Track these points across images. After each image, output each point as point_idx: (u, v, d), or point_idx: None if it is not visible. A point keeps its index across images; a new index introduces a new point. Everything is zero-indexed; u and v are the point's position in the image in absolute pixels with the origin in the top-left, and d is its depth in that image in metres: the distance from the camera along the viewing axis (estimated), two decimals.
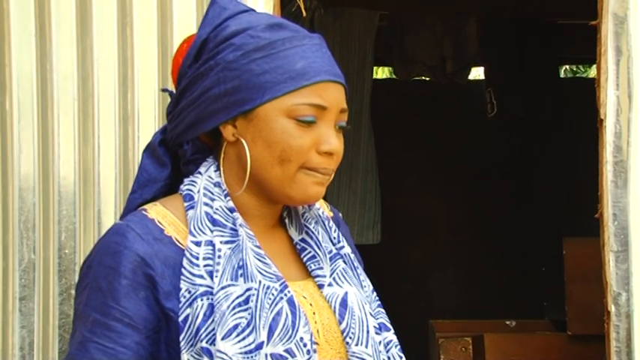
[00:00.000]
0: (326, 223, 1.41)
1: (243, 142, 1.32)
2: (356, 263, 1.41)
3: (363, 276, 1.40)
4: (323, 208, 1.46)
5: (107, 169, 2.19)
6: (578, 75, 8.25)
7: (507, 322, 3.98)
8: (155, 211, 1.33)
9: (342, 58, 4.24)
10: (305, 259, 1.38)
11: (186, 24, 2.19)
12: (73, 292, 2.16)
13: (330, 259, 1.37)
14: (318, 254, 1.37)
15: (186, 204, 1.33)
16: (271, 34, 1.32)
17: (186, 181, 1.36)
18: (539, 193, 5.16)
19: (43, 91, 2.16)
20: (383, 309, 1.40)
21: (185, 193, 1.34)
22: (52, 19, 2.15)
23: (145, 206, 1.35)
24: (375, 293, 1.40)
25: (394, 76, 5.28)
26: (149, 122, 2.20)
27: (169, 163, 1.40)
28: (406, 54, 4.90)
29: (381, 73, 7.44)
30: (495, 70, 5.17)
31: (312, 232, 1.39)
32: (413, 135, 5.42)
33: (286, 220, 1.40)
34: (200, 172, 1.35)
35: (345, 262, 1.38)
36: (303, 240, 1.39)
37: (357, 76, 4.45)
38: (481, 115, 4.97)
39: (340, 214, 1.52)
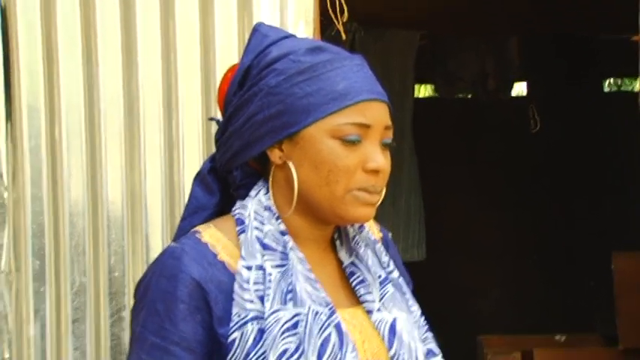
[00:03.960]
0: (376, 246, 1.41)
1: (290, 164, 1.33)
2: (405, 288, 1.41)
3: (412, 301, 1.40)
4: (372, 229, 1.46)
5: (154, 193, 2.23)
6: (622, 88, 8.17)
7: (557, 337, 3.94)
8: (209, 234, 1.35)
9: (383, 78, 4.23)
10: (354, 283, 1.38)
11: (227, 51, 2.24)
12: (123, 314, 2.21)
13: (380, 284, 1.37)
14: (367, 279, 1.37)
15: (237, 228, 1.34)
16: (312, 57, 1.34)
17: (237, 204, 1.38)
18: (586, 209, 5.12)
19: (91, 118, 2.21)
20: (431, 333, 1.40)
21: (237, 217, 1.35)
22: (99, 48, 2.21)
23: (199, 227, 1.36)
24: (423, 317, 1.40)
25: (436, 94, 5.30)
26: (193, 147, 2.24)
27: (218, 190, 1.42)
28: (448, 72, 4.91)
29: (424, 91, 7.45)
30: (538, 86, 5.15)
31: (362, 256, 1.39)
32: (456, 153, 5.42)
33: (337, 243, 1.41)
34: (250, 196, 1.37)
35: (394, 286, 1.39)
36: (352, 264, 1.39)
37: (399, 96, 4.47)
38: (525, 132, 4.95)
39: (390, 234, 1.52)
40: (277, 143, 1.34)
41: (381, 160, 1.33)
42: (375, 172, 1.32)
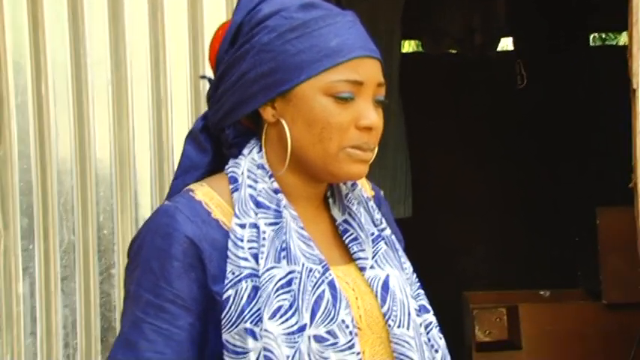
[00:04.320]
0: (368, 204, 1.42)
1: (283, 122, 1.32)
2: (397, 245, 1.41)
3: (404, 258, 1.40)
4: (365, 187, 1.46)
5: (142, 151, 2.23)
6: (607, 42, 8.17)
7: (541, 293, 3.98)
8: (202, 192, 1.34)
9: (369, 34, 4.23)
10: (347, 240, 1.38)
11: (216, 7, 2.22)
12: (112, 271, 2.21)
13: (372, 241, 1.37)
14: (360, 236, 1.37)
15: (231, 186, 1.34)
16: (304, 13, 1.33)
17: (230, 162, 1.37)
18: (571, 163, 5.14)
19: (78, 76, 2.20)
20: (422, 290, 1.40)
21: (230, 175, 1.35)
22: (85, 4, 2.19)
23: (192, 186, 1.36)
24: (415, 275, 1.40)
25: (422, 50, 5.28)
26: (182, 105, 2.24)
27: (211, 149, 1.41)
28: (435, 28, 4.89)
29: (408, 46, 7.42)
30: (524, 41, 5.14)
31: (355, 213, 1.39)
32: (443, 108, 5.42)
33: (330, 200, 1.41)
34: (243, 154, 1.36)
35: (386, 243, 1.39)
36: (345, 221, 1.39)
37: (385, 52, 4.43)
38: (511, 87, 4.95)
39: (382, 192, 1.52)
40: (270, 101, 1.33)
41: (374, 117, 1.32)
42: (368, 129, 1.32)
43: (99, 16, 2.19)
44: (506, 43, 6.33)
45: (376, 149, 1.35)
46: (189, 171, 1.40)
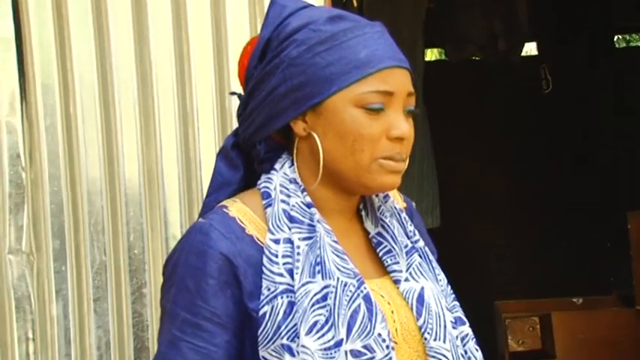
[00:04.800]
0: (401, 216, 1.41)
1: (315, 135, 1.32)
2: (431, 256, 1.40)
3: (438, 269, 1.40)
4: (396, 199, 1.46)
5: (170, 168, 2.22)
6: (632, 44, 8.11)
7: (574, 300, 3.95)
8: (236, 208, 1.34)
9: None
10: (381, 253, 1.37)
11: (239, 23, 2.22)
12: (144, 291, 2.20)
13: (406, 253, 1.37)
14: (394, 248, 1.37)
15: (264, 201, 1.34)
16: (332, 26, 1.33)
17: (263, 177, 1.37)
18: (601, 168, 5.09)
19: (105, 95, 2.20)
20: (458, 302, 1.39)
21: (263, 190, 1.35)
22: (110, 23, 2.19)
23: (225, 202, 1.36)
24: (450, 286, 1.39)
25: (445, 58, 5.25)
26: (208, 120, 2.23)
27: (242, 165, 1.41)
28: (457, 35, 4.86)
29: (430, 55, 7.40)
30: (548, 45, 5.10)
31: (388, 225, 1.38)
32: (468, 116, 5.39)
33: (362, 213, 1.40)
34: (275, 169, 1.36)
35: (420, 255, 1.38)
36: (379, 234, 1.38)
37: (409, 60, 4.43)
38: (537, 92, 4.92)
39: (414, 204, 1.52)
40: (301, 115, 1.33)
41: (405, 128, 1.32)
42: (400, 139, 1.31)
43: (124, 33, 2.19)
44: (530, 48, 6.30)
45: (407, 159, 1.34)
46: (222, 188, 1.40)
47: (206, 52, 2.21)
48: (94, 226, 2.18)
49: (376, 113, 1.30)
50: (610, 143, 5.08)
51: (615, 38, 6.79)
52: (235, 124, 2.27)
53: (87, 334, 2.17)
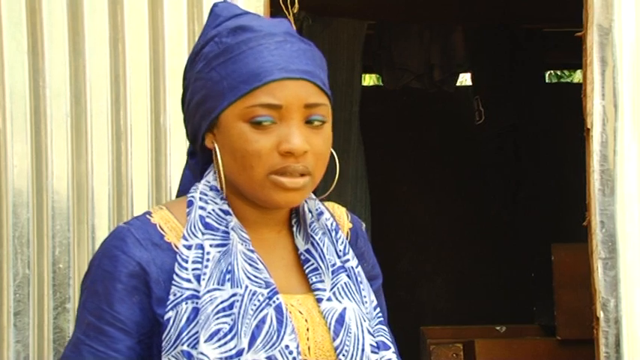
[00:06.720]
0: (333, 234, 1.38)
1: (217, 149, 1.32)
2: (361, 278, 1.37)
3: (367, 291, 1.37)
4: (341, 218, 1.44)
5: (100, 184, 2.21)
6: (562, 80, 8.30)
7: (497, 328, 4.00)
8: (159, 215, 1.34)
9: (330, 67, 4.23)
10: (307, 270, 1.35)
11: (177, 41, 2.22)
12: (67, 306, 2.18)
13: (333, 272, 1.34)
14: (320, 267, 1.35)
15: (187, 209, 1.33)
16: (232, 38, 1.30)
17: (194, 186, 1.37)
18: (528, 200, 5.19)
19: (36, 107, 2.17)
20: (386, 326, 1.37)
21: (189, 198, 1.35)
22: (45, 36, 2.17)
23: (151, 209, 1.36)
24: (377, 310, 1.37)
25: (382, 84, 5.30)
26: (142, 138, 2.22)
27: (201, 173, 1.40)
28: (394, 62, 4.92)
29: (369, 80, 7.47)
30: (482, 77, 5.20)
31: (318, 243, 1.36)
32: (402, 142, 5.45)
33: (294, 228, 1.38)
34: (203, 177, 1.37)
35: (348, 276, 1.36)
36: (307, 250, 1.36)
37: (346, 85, 4.47)
38: (469, 122, 5.00)
39: (363, 225, 1.48)
40: (209, 129, 1.32)
41: (297, 141, 1.27)
42: (290, 153, 1.28)
43: (59, 48, 2.17)
44: (465, 78, 6.41)
45: (316, 174, 1.31)
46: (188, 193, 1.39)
47: (142, 69, 2.21)
48: (19, 238, 2.15)
49: (264, 128, 1.27)
50: (540, 175, 5.18)
51: (547, 74, 6.96)
52: (169, 141, 2.28)
53: (5, 348, 2.14)
